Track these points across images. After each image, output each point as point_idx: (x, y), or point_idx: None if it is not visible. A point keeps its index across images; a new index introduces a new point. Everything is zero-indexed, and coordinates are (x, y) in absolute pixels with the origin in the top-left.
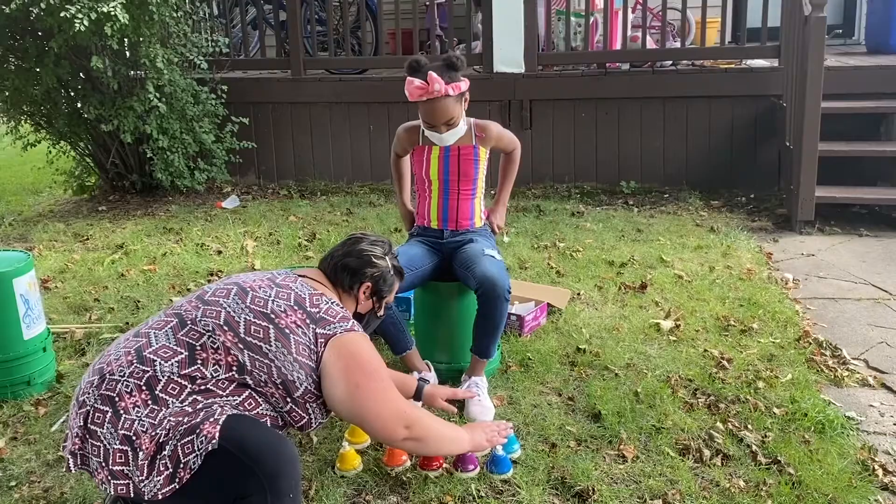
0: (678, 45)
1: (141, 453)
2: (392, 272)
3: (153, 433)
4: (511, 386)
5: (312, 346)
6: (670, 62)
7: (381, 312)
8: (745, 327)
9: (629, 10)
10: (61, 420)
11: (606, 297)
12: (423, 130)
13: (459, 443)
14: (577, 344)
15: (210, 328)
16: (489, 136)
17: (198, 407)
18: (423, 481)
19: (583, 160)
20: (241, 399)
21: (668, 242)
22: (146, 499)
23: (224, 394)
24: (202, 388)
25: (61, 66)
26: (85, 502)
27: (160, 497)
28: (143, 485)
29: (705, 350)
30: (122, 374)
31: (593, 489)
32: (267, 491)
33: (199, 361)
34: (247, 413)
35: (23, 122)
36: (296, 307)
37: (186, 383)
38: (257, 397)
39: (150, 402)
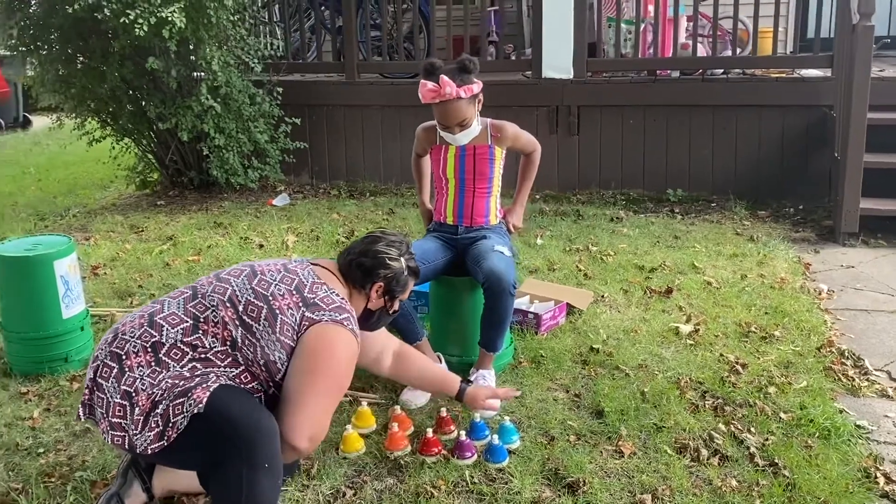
0: (729, 53)
1: (137, 409)
2: (406, 273)
3: (150, 392)
4: (520, 381)
5: (296, 327)
6: (721, 70)
7: (394, 310)
8: (767, 334)
9: (682, 18)
10: None
11: (630, 301)
12: (439, 130)
13: None
14: (591, 344)
15: (215, 303)
16: (504, 136)
17: (196, 373)
18: (420, 466)
19: (630, 167)
20: (237, 372)
21: (703, 249)
22: (138, 452)
23: (222, 365)
24: (202, 356)
25: (125, 66)
26: (104, 470)
27: (149, 452)
28: (136, 438)
29: (721, 355)
30: (132, 335)
31: (584, 481)
32: (243, 460)
33: (201, 332)
34: (241, 387)
35: (89, 119)
36: (294, 292)
37: (188, 350)
38: (249, 375)
39: (153, 363)
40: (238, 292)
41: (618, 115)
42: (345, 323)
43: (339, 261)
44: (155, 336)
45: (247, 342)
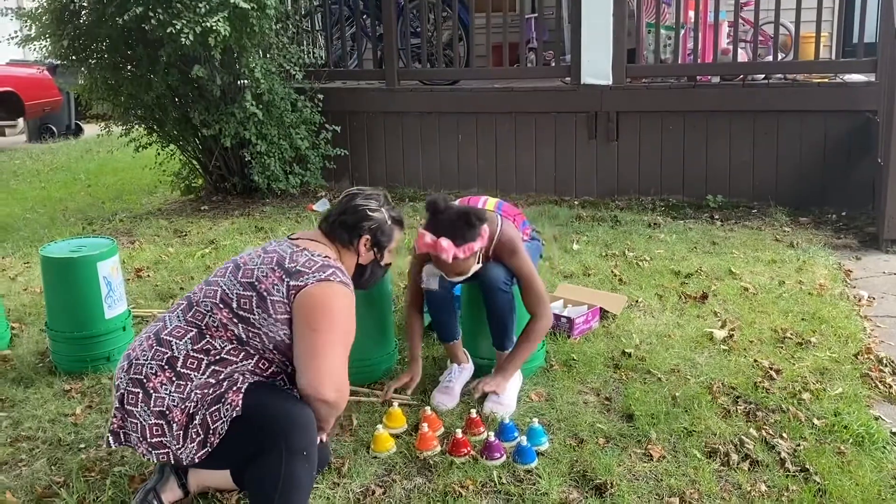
0: (771, 58)
1: (175, 425)
2: (389, 223)
3: (183, 406)
4: (551, 384)
5: (286, 301)
6: (762, 76)
7: (386, 262)
8: (803, 340)
9: (723, 24)
10: None
11: (665, 306)
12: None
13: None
14: (624, 348)
15: (209, 308)
16: (503, 259)
17: (220, 377)
18: (448, 466)
19: (669, 173)
20: (254, 362)
21: (741, 255)
22: (185, 463)
23: (238, 360)
24: (216, 358)
25: (171, 75)
26: (141, 466)
27: (196, 461)
28: (180, 452)
29: (755, 360)
30: (145, 357)
31: (612, 483)
32: (282, 447)
33: (208, 336)
34: (263, 375)
35: (136, 126)
36: (276, 268)
37: (202, 356)
38: (266, 361)
39: (174, 378)
40: (227, 290)
41: (657, 121)
42: (331, 278)
43: (322, 227)
44: (167, 352)
45: (251, 334)
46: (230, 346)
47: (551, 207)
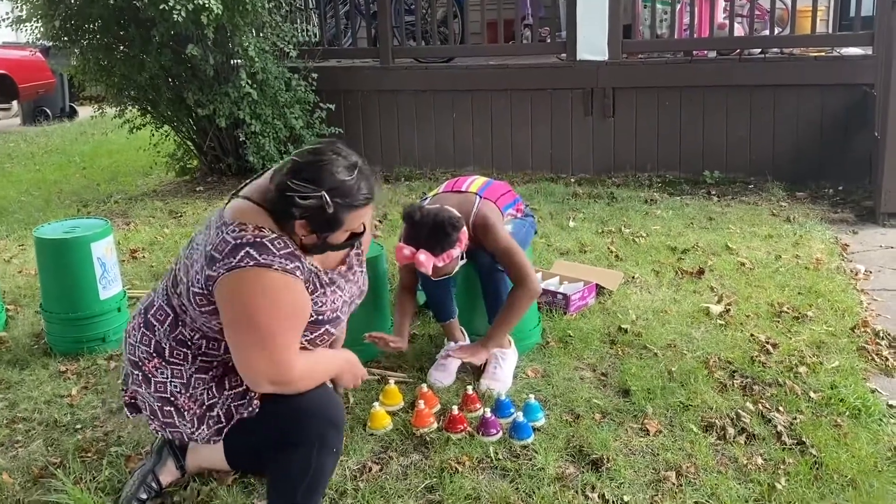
0: (767, 32)
1: (186, 413)
2: (332, 209)
3: (188, 393)
4: (547, 360)
5: (206, 293)
6: (759, 50)
7: (340, 240)
8: (800, 314)
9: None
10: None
11: (662, 282)
12: None
13: (328, 373)
14: (620, 324)
15: (173, 288)
16: (479, 239)
17: (214, 365)
18: (445, 442)
19: (666, 149)
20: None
21: (737, 231)
22: (199, 442)
23: (221, 353)
24: (199, 351)
25: (163, 54)
26: (138, 446)
27: (212, 443)
28: (193, 434)
29: (752, 335)
30: (135, 339)
31: (608, 458)
32: (316, 444)
33: (181, 325)
34: None
35: (129, 107)
36: (203, 252)
37: (182, 348)
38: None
39: (165, 365)
40: (177, 271)
41: (653, 96)
42: (243, 263)
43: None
44: (153, 338)
45: (196, 327)
46: (198, 336)
47: (547, 185)
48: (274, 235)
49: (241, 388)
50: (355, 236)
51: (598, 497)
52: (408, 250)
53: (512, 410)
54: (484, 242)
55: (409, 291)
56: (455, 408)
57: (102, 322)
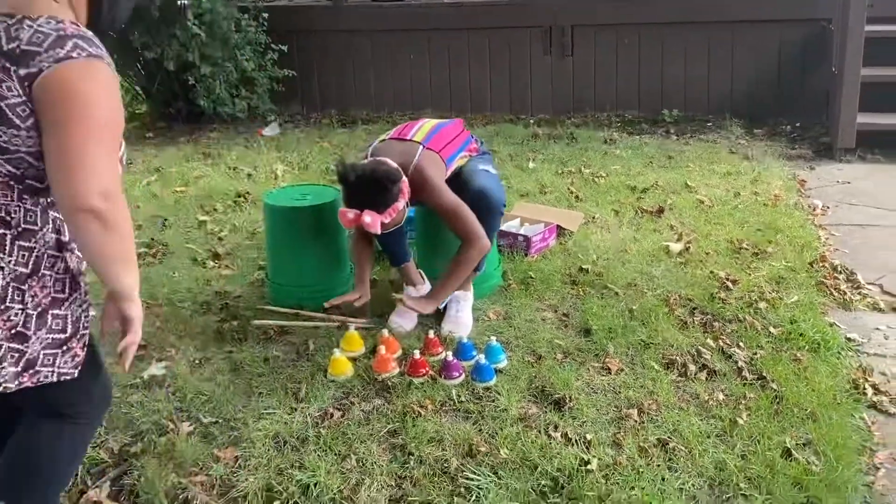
0: None
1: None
2: None
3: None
4: (509, 302)
5: (25, 99)
6: None
7: None
8: (759, 251)
9: None
10: None
11: (622, 221)
12: None
13: (130, 261)
14: (581, 264)
15: None
16: (418, 195)
17: (33, 268)
18: (407, 387)
19: (625, 88)
20: (52, 226)
21: (696, 169)
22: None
23: (39, 229)
24: (18, 231)
25: None
26: None
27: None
28: None
29: (712, 272)
30: None
31: (571, 398)
32: (90, 420)
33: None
34: (67, 248)
35: None
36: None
37: (3, 229)
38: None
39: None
40: None
41: (612, 34)
42: (74, 54)
43: None
44: None
45: (12, 163)
46: (16, 206)
47: (508, 126)
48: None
49: (57, 339)
50: None
51: (561, 436)
52: (351, 213)
53: (474, 353)
54: (421, 198)
55: (364, 237)
56: (417, 352)
57: None
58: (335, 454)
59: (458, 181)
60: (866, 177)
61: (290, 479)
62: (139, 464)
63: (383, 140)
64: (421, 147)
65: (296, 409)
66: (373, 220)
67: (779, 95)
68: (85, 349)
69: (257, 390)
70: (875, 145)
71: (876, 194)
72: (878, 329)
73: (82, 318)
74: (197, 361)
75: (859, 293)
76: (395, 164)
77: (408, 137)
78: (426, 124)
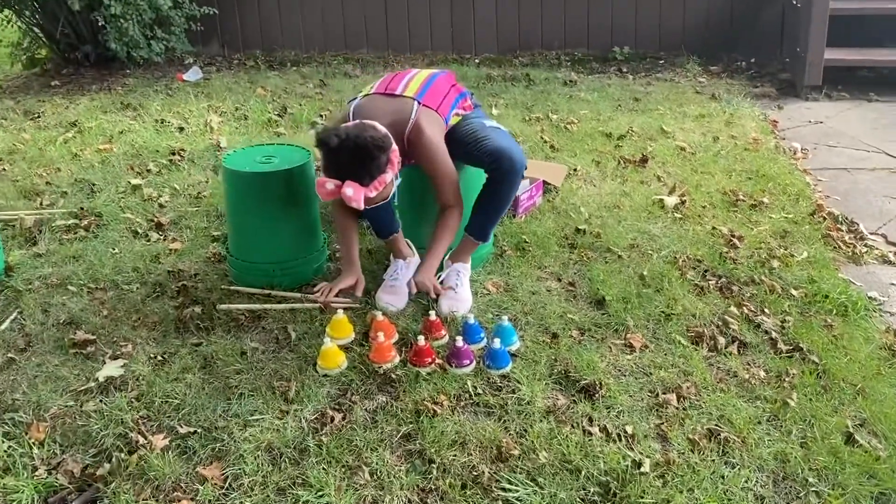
0: None
1: None
2: None
3: None
4: (507, 272)
5: None
6: None
7: None
8: (755, 202)
9: None
10: (10, 318)
11: (605, 173)
12: None
13: None
14: (575, 224)
15: None
16: (414, 154)
17: None
18: (413, 379)
19: (573, 25)
20: None
21: (667, 112)
22: None
23: None
24: None
25: None
26: (39, 408)
27: None
28: None
29: (713, 227)
30: None
31: (600, 383)
32: None
33: None
34: None
35: None
36: None
37: None
38: None
39: None
40: None
41: None
42: None
43: None
44: None
45: None
46: None
47: (455, 67)
48: None
49: None
50: None
51: (600, 430)
52: (331, 184)
53: (482, 335)
54: (417, 159)
55: (347, 209)
56: (421, 338)
57: None
58: (343, 466)
59: (464, 139)
60: (837, 115)
61: (295, 500)
62: (108, 490)
63: (367, 95)
64: (416, 103)
65: (287, 413)
66: (355, 194)
67: (731, 30)
68: None
69: (237, 391)
70: (838, 82)
71: (852, 135)
72: (893, 284)
73: None
74: (159, 357)
75: (865, 245)
76: (383, 129)
77: (397, 92)
78: (418, 75)
